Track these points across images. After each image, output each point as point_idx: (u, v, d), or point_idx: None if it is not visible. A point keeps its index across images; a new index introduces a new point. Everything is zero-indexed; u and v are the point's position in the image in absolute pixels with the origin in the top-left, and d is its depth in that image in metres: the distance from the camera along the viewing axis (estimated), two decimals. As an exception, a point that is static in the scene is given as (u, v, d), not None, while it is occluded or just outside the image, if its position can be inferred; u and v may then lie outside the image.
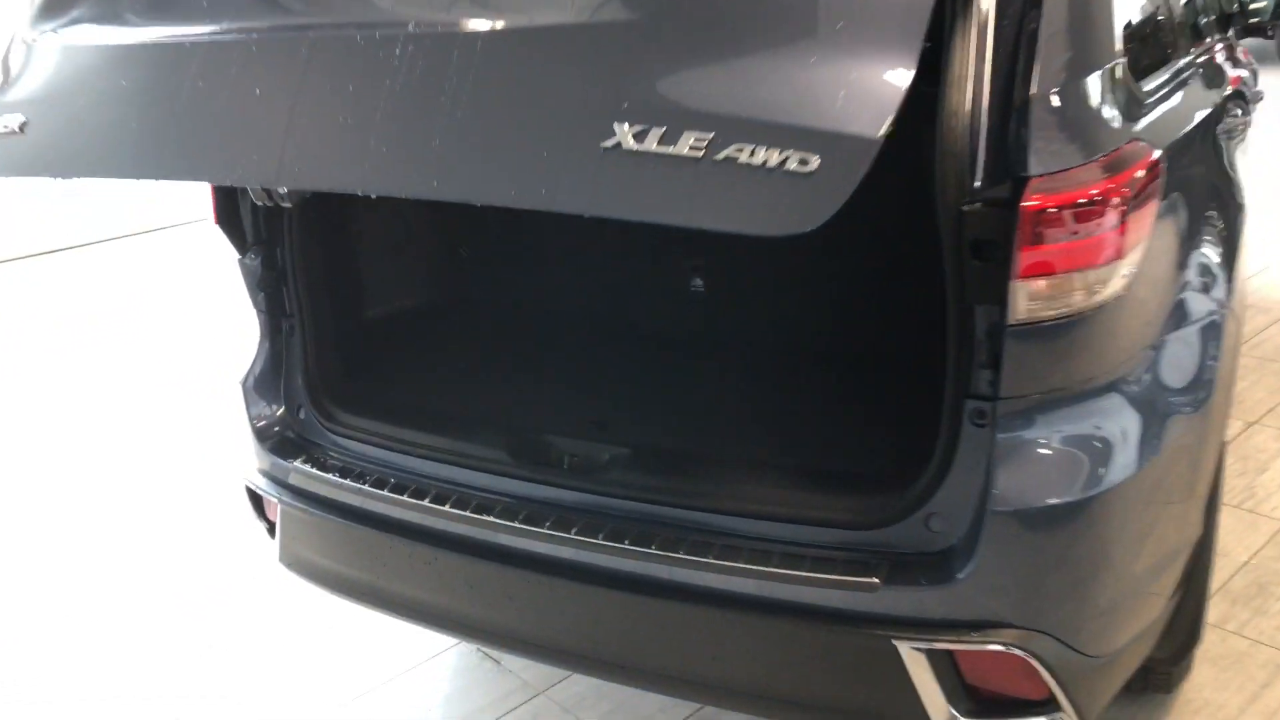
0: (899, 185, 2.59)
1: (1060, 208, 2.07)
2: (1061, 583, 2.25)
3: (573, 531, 2.57)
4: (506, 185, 1.87)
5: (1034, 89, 2.13)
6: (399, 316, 3.78)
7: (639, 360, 3.41)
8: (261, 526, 3.34)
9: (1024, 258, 2.08)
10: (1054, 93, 2.15)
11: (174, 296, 8.04)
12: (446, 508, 2.74)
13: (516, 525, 2.62)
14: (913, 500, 2.36)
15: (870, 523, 2.41)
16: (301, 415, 3.16)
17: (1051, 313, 2.15)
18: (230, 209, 3.09)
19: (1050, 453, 2.23)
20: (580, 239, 3.65)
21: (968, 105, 2.10)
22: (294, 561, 3.16)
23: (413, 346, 3.64)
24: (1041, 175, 2.10)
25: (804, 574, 2.35)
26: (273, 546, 3.25)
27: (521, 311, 3.80)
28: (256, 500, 3.26)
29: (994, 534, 2.21)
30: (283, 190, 2.88)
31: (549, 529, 2.59)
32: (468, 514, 2.70)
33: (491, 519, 2.66)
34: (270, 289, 3.13)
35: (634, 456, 2.72)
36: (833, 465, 2.64)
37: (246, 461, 3.21)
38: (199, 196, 3.11)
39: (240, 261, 3.13)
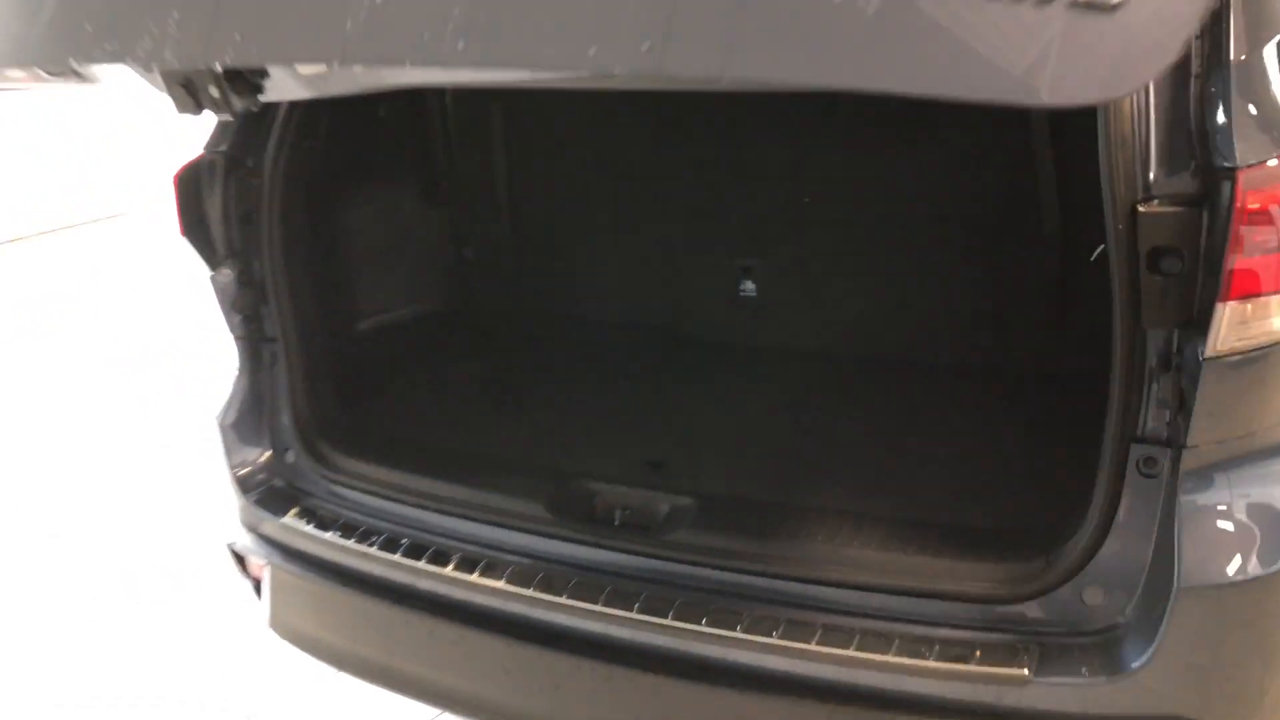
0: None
1: None
2: (1264, 675, 1.80)
3: (634, 608, 2.09)
4: (709, 48, 1.25)
5: (1235, 50, 1.66)
6: (400, 332, 3.27)
7: (691, 381, 2.92)
8: (245, 583, 2.83)
9: (1237, 273, 1.61)
10: (1262, 54, 1.67)
11: (129, 287, 7.59)
12: (474, 576, 2.25)
13: (562, 600, 2.14)
14: (1064, 567, 1.90)
15: (1010, 595, 1.94)
16: (290, 459, 2.66)
17: (1261, 341, 1.68)
18: (197, 216, 2.57)
19: (1255, 512, 1.77)
20: (607, 235, 3.15)
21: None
22: (288, 630, 2.67)
23: (420, 369, 3.13)
24: (1254, 165, 1.62)
25: (934, 664, 1.89)
26: (260, 607, 2.75)
27: (544, 322, 3.30)
28: (239, 556, 2.76)
29: (1183, 613, 1.75)
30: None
31: (604, 605, 2.11)
32: (501, 584, 2.21)
33: (531, 592, 2.18)
34: (248, 310, 2.62)
35: (702, 508, 2.25)
36: (956, 518, 2.16)
37: (227, 515, 2.70)
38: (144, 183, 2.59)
39: (212, 278, 2.62)
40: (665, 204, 3.00)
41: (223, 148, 2.54)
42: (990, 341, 2.71)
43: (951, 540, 2.08)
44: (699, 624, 2.03)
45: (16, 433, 5.48)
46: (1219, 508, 1.77)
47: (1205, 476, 1.77)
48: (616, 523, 2.27)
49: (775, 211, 2.87)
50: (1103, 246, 2.51)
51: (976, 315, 2.71)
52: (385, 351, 3.20)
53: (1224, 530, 1.77)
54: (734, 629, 2.01)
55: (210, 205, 2.56)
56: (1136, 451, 1.81)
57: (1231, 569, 1.76)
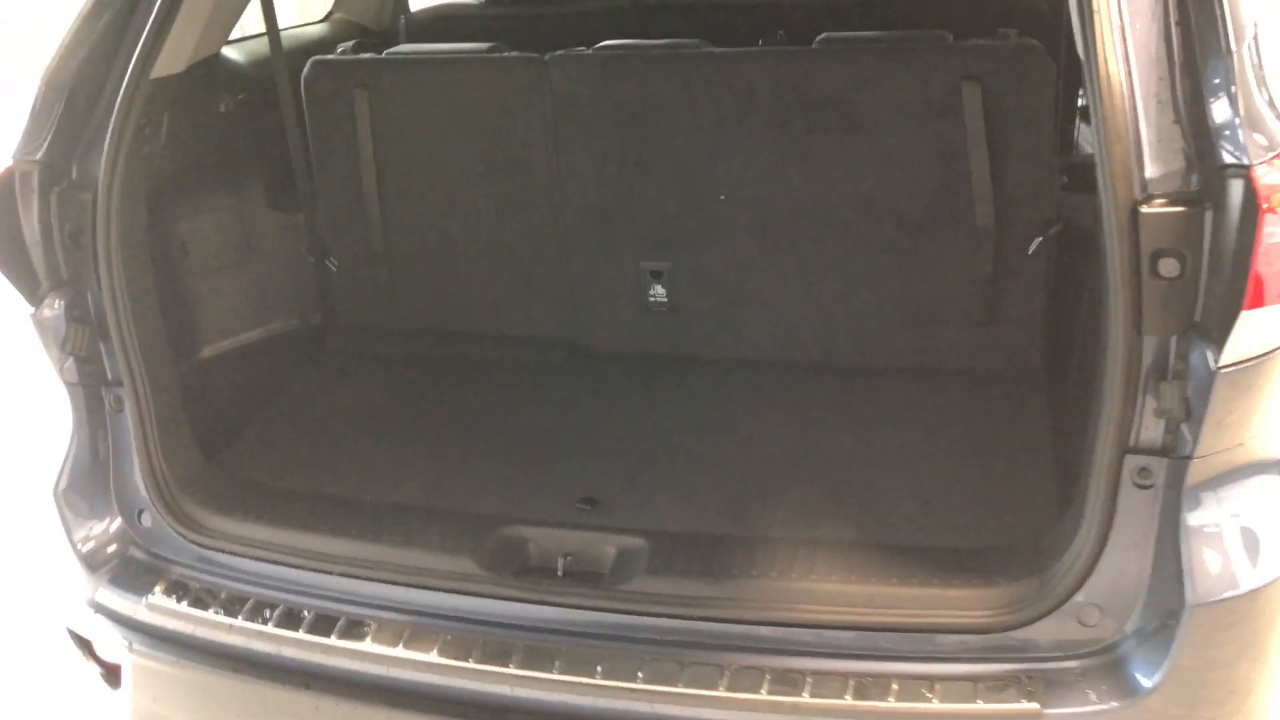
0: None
1: None
2: (1270, 681, 1.75)
3: (598, 672, 1.84)
4: None
5: (1232, 38, 1.57)
6: (258, 356, 2.86)
7: (605, 399, 2.66)
8: (93, 670, 2.38)
9: (1266, 277, 1.51)
10: (1259, 41, 1.59)
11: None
12: (400, 650, 1.94)
13: (510, 670, 1.87)
14: (1059, 587, 1.80)
15: (1005, 622, 1.82)
16: (147, 523, 2.24)
17: (1269, 346, 1.61)
18: (10, 239, 2.11)
19: (1259, 521, 1.70)
20: (495, 237, 2.83)
21: (1138, 60, 1.53)
22: (156, 725, 2.25)
23: (289, 400, 2.74)
24: (1268, 161, 1.53)
25: (939, 708, 1.74)
26: (115, 699, 2.32)
27: (427, 339, 2.95)
28: (84, 640, 2.31)
29: (1196, 630, 1.66)
30: None
31: (561, 672, 1.85)
32: (434, 657, 1.91)
33: (471, 664, 1.89)
34: (83, 349, 2.18)
35: (655, 549, 2.01)
36: (932, 539, 2.02)
37: (72, 596, 2.25)
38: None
39: (34, 316, 2.15)
40: (562, 202, 2.72)
41: (38, 155, 2.09)
42: (920, 341, 2.59)
43: (933, 565, 1.93)
44: (676, 685, 1.80)
45: None
46: (1228, 519, 1.69)
47: (1211, 488, 1.69)
48: (560, 573, 2.01)
49: (686, 210, 2.64)
50: (1040, 239, 2.46)
51: (906, 314, 2.58)
52: (245, 381, 2.78)
53: (1233, 542, 1.69)
54: (716, 687, 1.80)
55: (28, 226, 2.10)
56: (1131, 463, 1.71)
57: (1244, 580, 1.68)
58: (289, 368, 2.91)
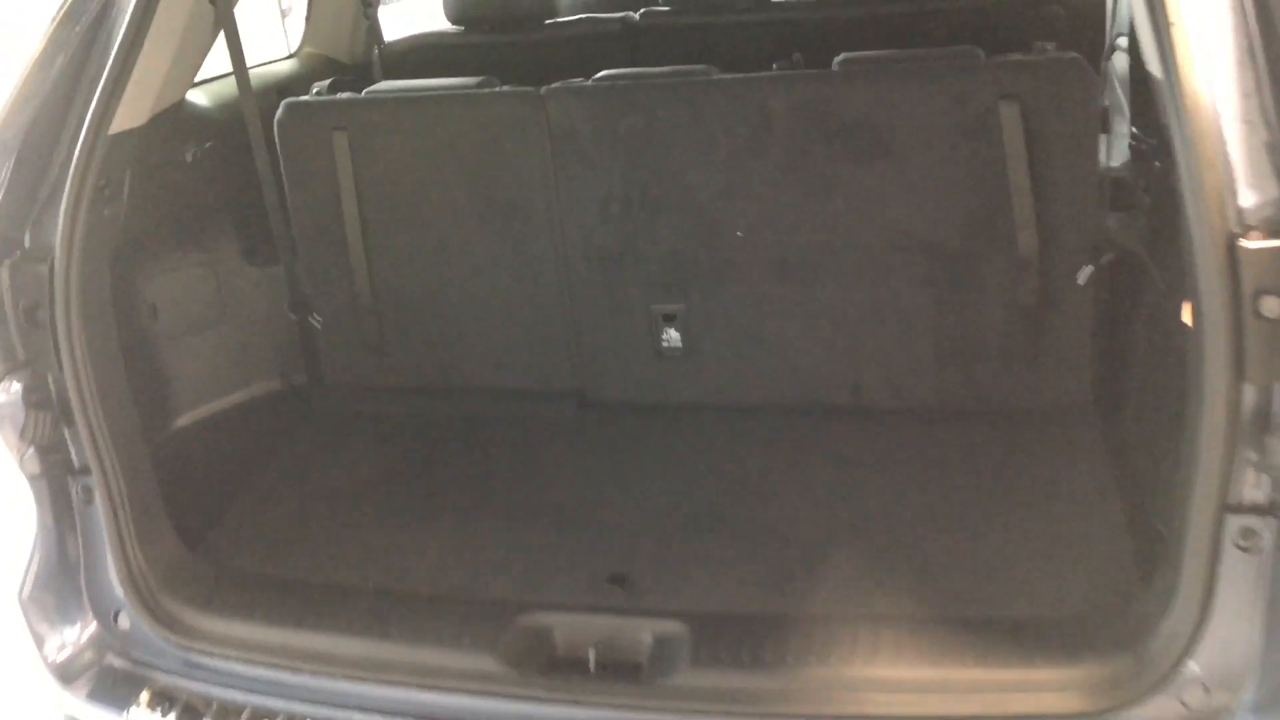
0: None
1: None
2: None
3: None
4: None
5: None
6: (237, 423, 2.64)
7: (621, 457, 2.46)
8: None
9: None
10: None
11: None
12: None
13: None
14: (1158, 665, 1.61)
15: (1099, 706, 1.63)
16: (125, 625, 2.01)
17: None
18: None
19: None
20: (493, 285, 2.61)
21: (1220, 77, 1.37)
22: None
23: (273, 471, 2.51)
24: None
25: None
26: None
27: (422, 397, 2.73)
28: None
29: None
30: None
31: None
32: None
33: None
34: (46, 437, 1.95)
35: (697, 634, 1.81)
36: (1003, 610, 1.83)
37: (45, 714, 2.02)
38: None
39: (-12, 405, 1.92)
40: (564, 245, 2.52)
41: None
42: (958, 379, 2.41)
43: (1010, 641, 1.74)
44: None
45: None
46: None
47: (1333, 549, 1.50)
48: (592, 667, 1.80)
49: (700, 249, 2.45)
50: (1090, 268, 2.28)
51: (941, 351, 2.39)
52: (226, 452, 2.56)
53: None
54: None
55: None
56: (1233, 523, 1.53)
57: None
58: (274, 435, 2.68)
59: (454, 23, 3.25)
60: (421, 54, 3.34)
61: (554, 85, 2.45)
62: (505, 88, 2.50)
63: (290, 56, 3.33)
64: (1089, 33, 2.90)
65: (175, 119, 2.41)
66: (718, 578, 1.98)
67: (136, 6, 1.95)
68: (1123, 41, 3.00)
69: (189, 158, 2.50)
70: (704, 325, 2.52)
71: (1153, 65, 1.51)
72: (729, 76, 2.34)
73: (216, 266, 2.71)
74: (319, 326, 2.73)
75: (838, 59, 2.33)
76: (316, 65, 3.32)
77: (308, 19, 3.34)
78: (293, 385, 2.87)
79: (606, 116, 2.39)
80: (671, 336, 2.55)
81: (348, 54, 3.38)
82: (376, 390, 2.77)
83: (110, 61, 1.88)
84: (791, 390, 2.51)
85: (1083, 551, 1.95)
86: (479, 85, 2.52)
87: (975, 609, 1.83)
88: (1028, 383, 2.37)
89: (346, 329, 2.73)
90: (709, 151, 2.36)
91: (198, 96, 2.64)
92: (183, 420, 2.69)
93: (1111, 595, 1.80)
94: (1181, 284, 1.94)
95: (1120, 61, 2.50)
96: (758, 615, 1.86)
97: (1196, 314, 1.55)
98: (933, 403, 2.43)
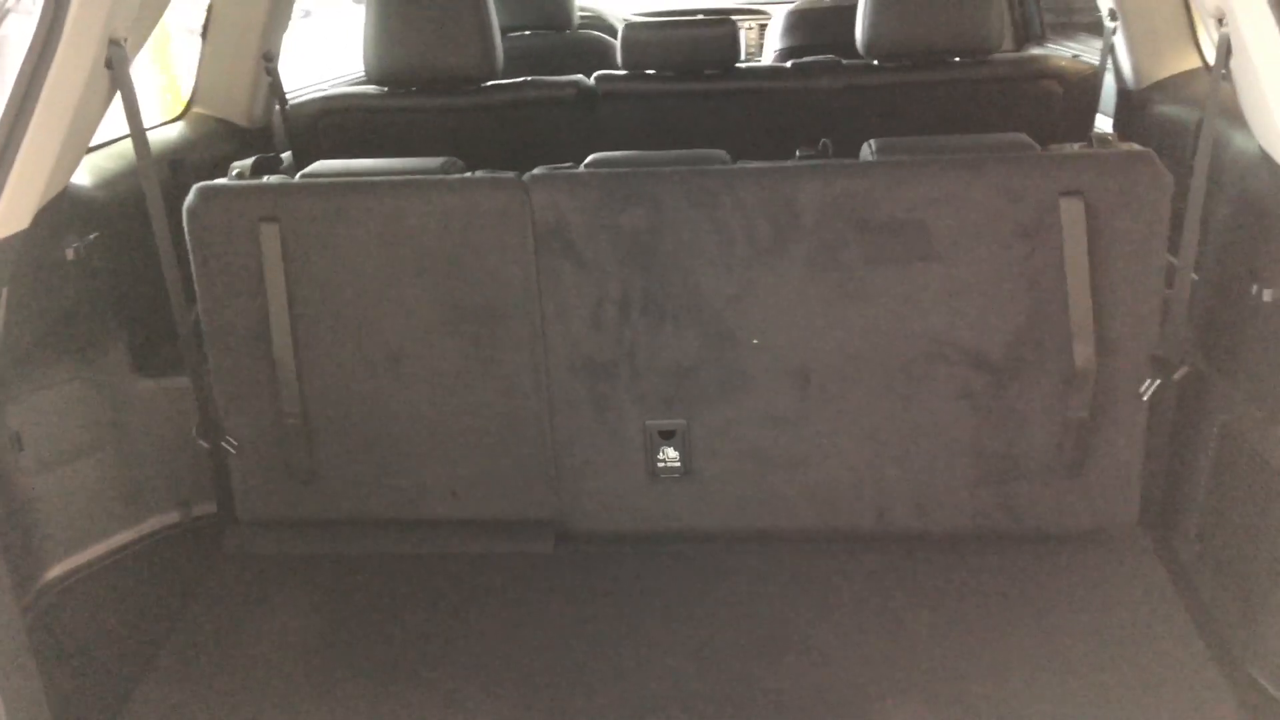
0: None
1: None
2: None
3: None
4: None
5: None
6: (141, 568, 2.14)
7: (622, 601, 2.06)
8: None
9: None
10: None
11: None
12: None
13: None
14: None
15: None
16: None
17: None
18: None
19: None
20: (452, 398, 2.19)
21: None
22: None
23: (193, 634, 2.00)
24: None
25: None
26: None
27: (368, 533, 2.25)
28: None
29: None
30: None
31: None
32: None
33: None
34: None
35: None
36: None
37: None
38: None
39: None
40: (547, 355, 2.13)
41: None
42: (994, 500, 2.15)
43: None
44: None
45: None
46: None
47: None
48: None
49: (708, 359, 2.11)
50: (1157, 381, 2.07)
51: (978, 471, 2.14)
52: (119, 613, 2.06)
53: None
54: None
55: None
56: None
57: None
58: (178, 585, 2.17)
59: (376, 83, 2.82)
60: (335, 118, 2.89)
61: (539, 171, 2.07)
62: (480, 173, 2.11)
63: (176, 119, 2.81)
64: (1081, 114, 2.74)
65: (55, 209, 1.91)
66: None
67: (20, 78, 1.48)
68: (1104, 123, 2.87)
69: (70, 255, 2.00)
70: (708, 444, 2.18)
71: None
72: (753, 166, 2.02)
73: (99, 381, 2.19)
74: (233, 451, 2.24)
75: (870, 146, 2.06)
76: (208, 129, 2.82)
77: (197, 72, 2.83)
78: (195, 519, 2.36)
79: (604, 209, 2.03)
80: (669, 456, 2.20)
81: (245, 115, 2.89)
82: (305, 526, 2.29)
83: None
84: (807, 516, 2.20)
85: (1181, 715, 1.70)
86: (443, 168, 2.11)
87: None
88: (1069, 502, 2.14)
89: (268, 453, 2.25)
90: (724, 250, 2.03)
91: (78, 176, 2.14)
92: (58, 569, 2.15)
93: None
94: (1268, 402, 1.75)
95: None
96: None
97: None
98: (966, 527, 2.17)
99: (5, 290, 1.59)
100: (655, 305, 2.09)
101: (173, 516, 2.35)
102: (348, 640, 2.00)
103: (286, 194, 2.06)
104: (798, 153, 2.07)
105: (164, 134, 2.68)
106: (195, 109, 2.84)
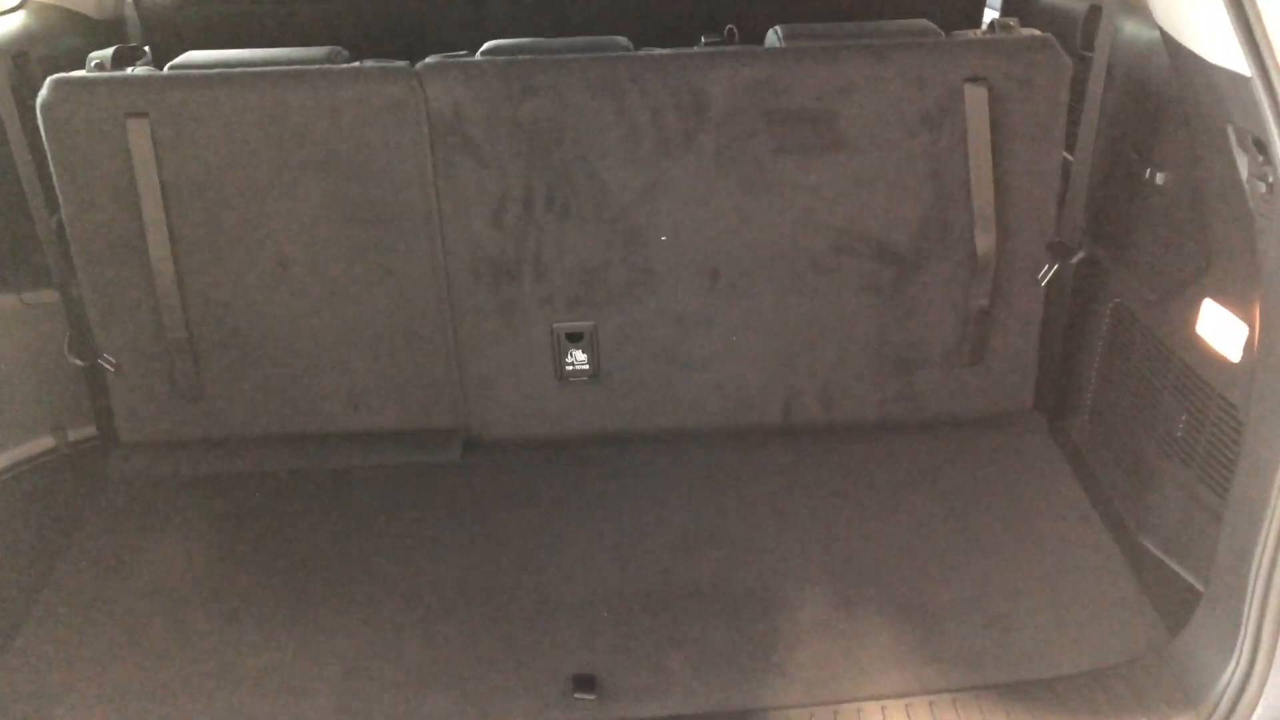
0: None
1: None
2: None
3: None
4: None
5: None
6: (14, 499, 1.98)
7: (539, 510, 2.02)
8: None
9: None
10: None
11: None
12: None
13: None
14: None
15: None
16: None
17: None
18: None
19: None
20: (348, 305, 2.08)
21: None
22: None
23: (78, 568, 1.88)
24: None
25: None
26: None
27: (260, 446, 2.15)
28: None
29: None
30: None
31: None
32: None
33: None
34: None
35: None
36: (1033, 666, 1.63)
37: None
38: None
39: None
40: (446, 256, 2.04)
41: None
42: (897, 390, 2.19)
43: (1056, 709, 1.54)
44: None
45: None
46: None
47: None
48: None
49: (615, 258, 2.06)
50: (1054, 267, 2.12)
51: (881, 361, 2.16)
52: (9, 551, 1.91)
53: None
54: None
55: None
56: None
57: None
58: (60, 516, 2.03)
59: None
60: (198, 8, 2.66)
61: (432, 59, 1.95)
62: (369, 62, 1.97)
63: (14, 9, 2.54)
64: (972, 3, 2.74)
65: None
66: (701, 666, 1.65)
67: None
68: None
69: None
70: (616, 346, 2.14)
71: (1243, 54, 1.31)
72: (658, 53, 1.95)
73: None
74: (111, 369, 2.09)
75: (777, 32, 2.00)
76: (51, 20, 2.55)
77: (35, -42, 2.56)
78: (71, 444, 2.21)
79: (503, 100, 1.93)
80: (577, 359, 2.16)
81: (94, 6, 2.63)
82: (194, 446, 2.17)
83: None
84: (717, 414, 2.20)
85: (1084, 587, 1.79)
86: (328, 58, 1.97)
87: (1002, 673, 1.62)
88: (968, 389, 2.19)
89: (149, 371, 2.11)
90: (630, 144, 1.96)
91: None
92: None
93: (1132, 643, 1.65)
94: (1178, 291, 1.81)
95: None
96: (762, 711, 1.55)
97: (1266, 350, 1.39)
98: (867, 416, 2.21)
99: None
100: (559, 202, 2.02)
101: (48, 442, 2.20)
102: (253, 562, 1.91)
103: (155, 87, 1.89)
104: (702, 40, 2.01)
105: (3, 25, 2.42)
106: (35, -2, 2.58)
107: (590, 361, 2.16)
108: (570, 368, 2.16)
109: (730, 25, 2.04)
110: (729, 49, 1.97)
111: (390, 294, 2.08)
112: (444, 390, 2.17)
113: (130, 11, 2.73)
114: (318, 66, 1.93)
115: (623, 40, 2.01)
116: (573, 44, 1.98)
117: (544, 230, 2.03)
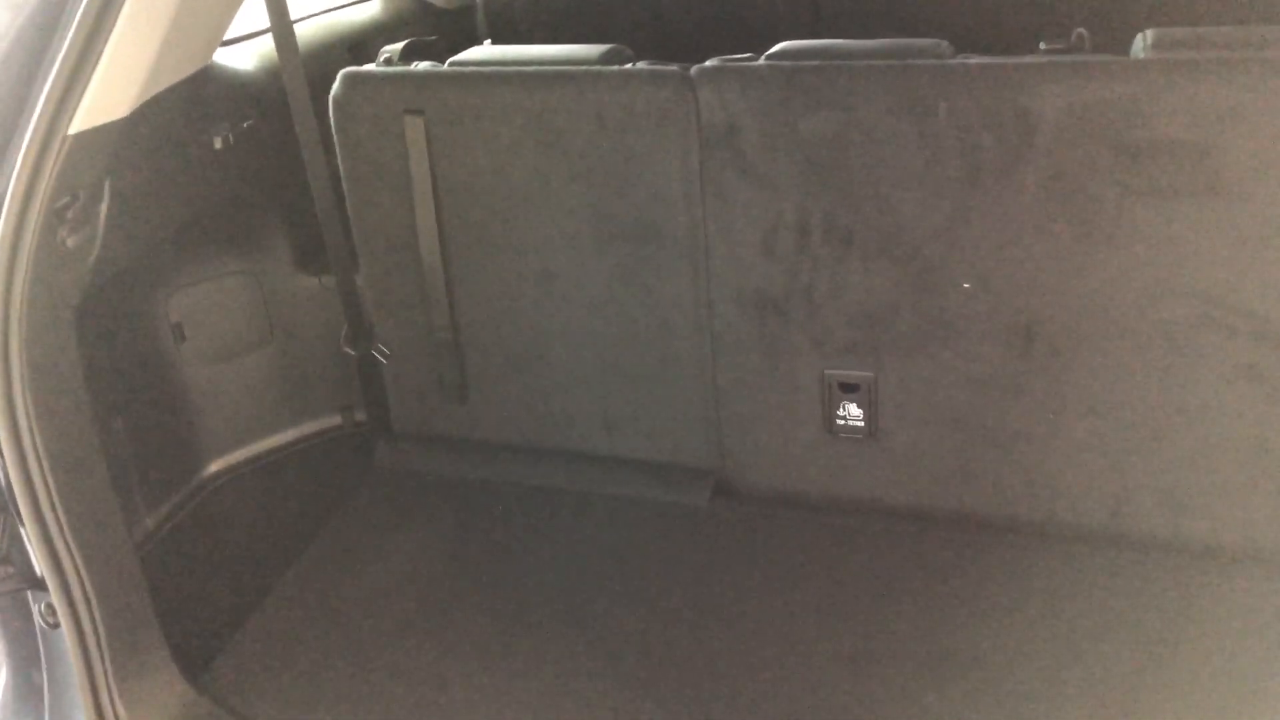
0: None
1: None
2: None
3: None
4: None
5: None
6: (294, 473, 2.14)
7: (791, 573, 1.77)
8: None
9: None
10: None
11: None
12: None
13: None
14: None
15: None
16: None
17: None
18: None
19: None
20: (613, 327, 1.95)
21: None
22: None
23: (325, 556, 1.93)
24: None
25: None
26: None
27: (519, 456, 2.10)
28: None
29: None
30: None
31: None
32: None
33: None
34: None
35: None
36: None
37: None
38: None
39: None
40: (710, 282, 1.82)
41: None
42: (1270, 513, 1.65)
43: None
44: None
45: None
46: None
47: None
48: None
49: (904, 299, 1.73)
50: None
51: (1263, 471, 1.64)
52: (261, 516, 2.04)
53: None
54: None
55: None
56: None
57: None
58: (325, 496, 2.10)
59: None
60: (534, 3, 2.65)
61: (710, 64, 1.72)
62: (641, 64, 1.79)
63: (370, -1, 2.68)
64: None
65: (199, 91, 1.80)
66: None
67: None
68: None
69: (218, 144, 1.89)
70: (898, 403, 1.80)
71: None
72: (979, 61, 1.58)
73: (261, 276, 2.12)
74: (384, 361, 2.11)
75: (1144, 39, 1.55)
76: (404, 10, 2.66)
77: (392, -49, 2.67)
78: (356, 425, 2.29)
79: (784, 111, 1.66)
80: (850, 413, 1.85)
81: (446, -6, 2.71)
82: (456, 445, 2.15)
83: (72, 34, 1.27)
84: (1019, 501, 1.79)
85: None
86: (604, 57, 1.81)
87: None
88: None
89: (420, 367, 2.11)
90: (933, 169, 1.61)
91: (235, 58, 2.03)
92: (215, 466, 2.15)
93: None
94: None
95: None
96: None
97: None
98: (1234, 541, 1.68)
99: (107, 186, 1.48)
100: (841, 232, 1.71)
101: (334, 420, 2.29)
102: (474, 574, 1.84)
103: (431, 84, 1.84)
104: (1041, 45, 1.60)
105: (351, 15, 2.54)
106: (391, -13, 2.69)
107: (866, 418, 1.84)
108: (842, 421, 1.86)
109: (1080, 29, 1.60)
110: (1070, 59, 1.54)
111: (650, 319, 1.90)
112: (698, 427, 1.96)
113: (478, 1, 2.77)
114: (585, 68, 1.78)
115: (939, 44, 1.65)
116: (876, 48, 1.66)
117: (820, 263, 1.74)
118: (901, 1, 2.31)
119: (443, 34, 2.63)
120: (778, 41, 1.72)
